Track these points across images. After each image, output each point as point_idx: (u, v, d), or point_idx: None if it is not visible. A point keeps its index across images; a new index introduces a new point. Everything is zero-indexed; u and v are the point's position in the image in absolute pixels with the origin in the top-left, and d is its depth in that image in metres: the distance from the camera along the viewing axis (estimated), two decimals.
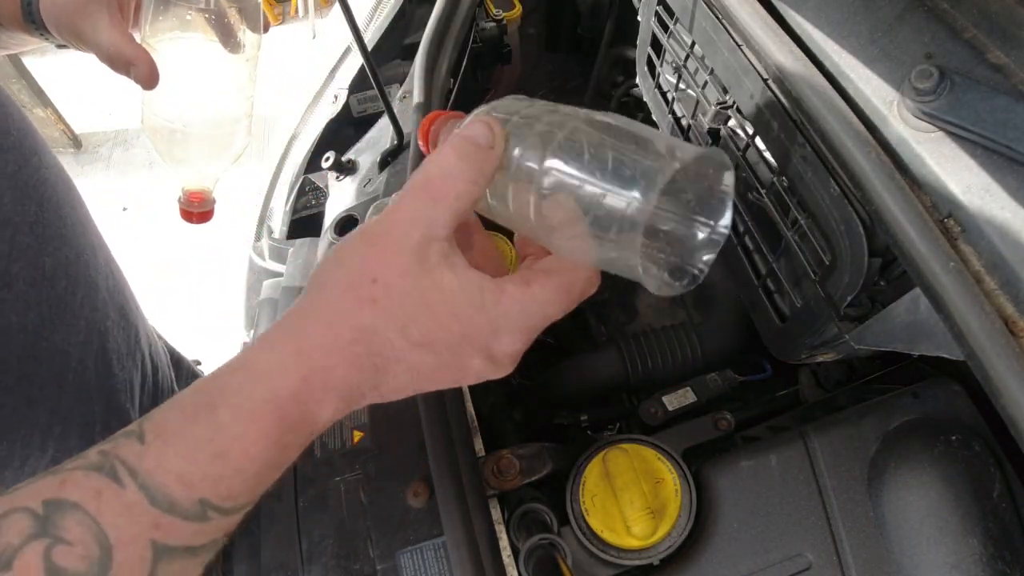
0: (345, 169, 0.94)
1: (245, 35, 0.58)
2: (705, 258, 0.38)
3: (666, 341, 0.80)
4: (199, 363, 1.06)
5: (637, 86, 0.93)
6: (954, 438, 0.57)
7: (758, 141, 0.59)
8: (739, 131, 0.63)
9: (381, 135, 0.97)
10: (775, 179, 0.57)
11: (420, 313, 0.34)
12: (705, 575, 0.58)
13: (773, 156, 0.57)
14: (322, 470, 0.65)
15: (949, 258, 0.38)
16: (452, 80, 0.91)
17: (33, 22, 0.52)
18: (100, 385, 0.70)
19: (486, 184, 0.36)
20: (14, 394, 0.61)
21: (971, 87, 0.39)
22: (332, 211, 0.92)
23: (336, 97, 1.07)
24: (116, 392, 0.73)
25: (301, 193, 1.05)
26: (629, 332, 0.94)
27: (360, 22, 1.00)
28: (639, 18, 0.82)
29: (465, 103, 0.87)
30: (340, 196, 0.93)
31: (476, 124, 0.36)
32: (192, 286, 2.25)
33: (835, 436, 0.61)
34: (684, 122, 0.76)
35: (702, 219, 0.38)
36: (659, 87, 0.83)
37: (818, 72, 0.47)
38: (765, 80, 0.54)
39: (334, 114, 1.05)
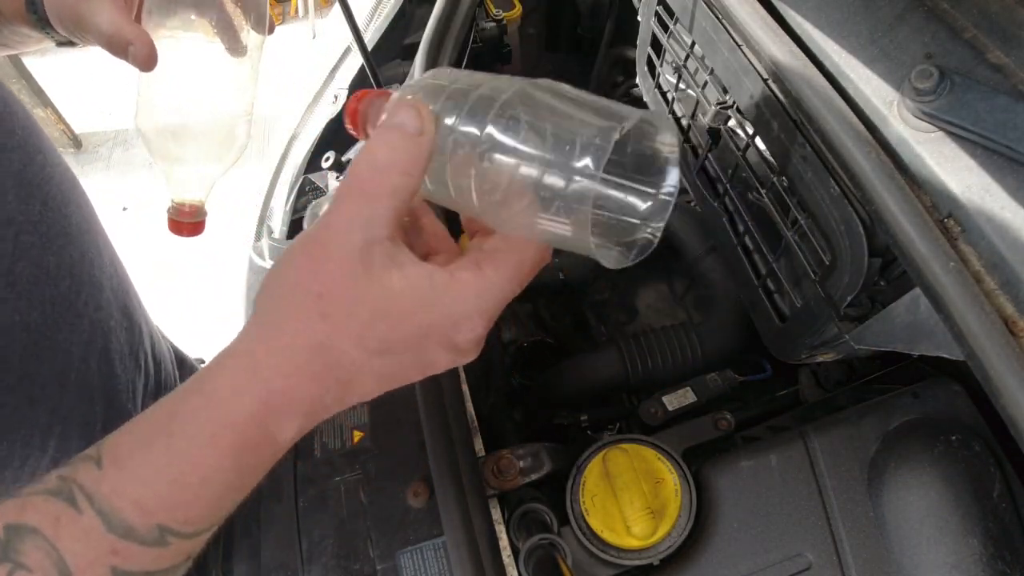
0: (345, 169, 0.94)
1: (249, 36, 0.57)
2: (656, 224, 0.37)
3: (666, 341, 0.80)
4: (203, 362, 1.06)
5: (637, 86, 0.93)
6: (954, 438, 0.57)
7: (758, 141, 0.59)
8: (739, 131, 0.63)
9: None
10: (775, 179, 0.57)
11: (374, 321, 0.33)
12: (705, 575, 0.58)
13: (773, 156, 0.57)
14: (322, 470, 0.65)
15: (949, 258, 0.38)
16: None
17: (35, 13, 0.52)
18: (102, 385, 0.70)
19: (422, 172, 0.34)
20: (15, 393, 0.61)
21: (971, 87, 0.39)
22: None
23: (336, 97, 1.07)
24: (118, 392, 0.73)
25: (301, 193, 1.05)
26: (629, 332, 0.94)
27: (360, 22, 1.00)
28: (639, 18, 0.82)
29: None
30: None
31: (402, 110, 0.34)
32: (192, 286, 2.25)
33: (835, 436, 0.61)
34: (684, 122, 0.76)
35: (649, 184, 0.37)
36: (659, 87, 0.83)
37: (818, 72, 0.47)
38: (765, 80, 0.54)
39: (334, 114, 1.05)
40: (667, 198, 0.36)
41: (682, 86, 0.76)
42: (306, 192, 1.05)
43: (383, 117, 0.38)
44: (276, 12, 3.40)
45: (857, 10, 0.48)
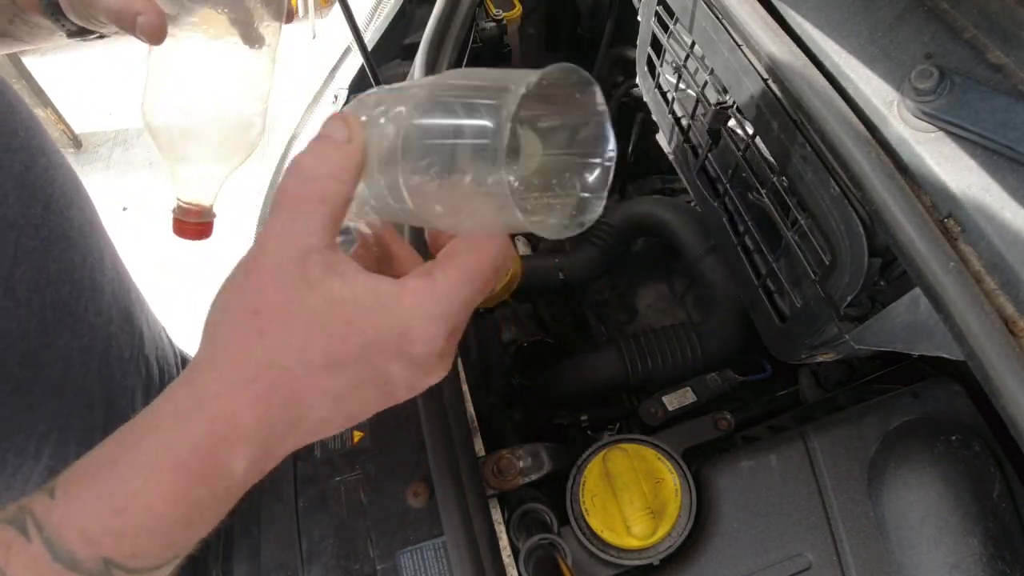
0: None
1: (266, 27, 0.53)
2: (598, 190, 0.35)
3: (666, 341, 0.80)
4: None
5: (637, 86, 0.93)
6: (954, 438, 0.57)
7: (758, 141, 0.59)
8: (739, 131, 0.63)
9: None
10: (775, 179, 0.57)
11: (315, 333, 0.31)
12: (705, 575, 0.58)
13: (773, 156, 0.57)
14: (322, 470, 0.65)
15: (949, 258, 0.38)
16: None
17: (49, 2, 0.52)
18: (102, 390, 0.70)
19: (354, 179, 0.33)
20: (11, 402, 0.60)
21: (971, 87, 0.39)
22: None
23: (336, 97, 1.06)
24: (118, 398, 0.72)
25: None
26: (629, 332, 0.94)
27: (360, 22, 1.00)
28: (639, 18, 0.82)
29: None
30: None
31: (328, 122, 0.34)
32: (192, 286, 2.25)
33: (835, 436, 0.61)
34: (684, 122, 0.76)
35: (586, 152, 0.35)
36: (659, 87, 0.83)
37: (818, 72, 0.47)
38: (765, 80, 0.54)
39: None
40: (608, 162, 0.35)
41: (682, 86, 0.76)
42: None
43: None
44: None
45: (857, 10, 0.48)
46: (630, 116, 1.17)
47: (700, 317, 0.93)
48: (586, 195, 0.35)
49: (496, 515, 0.60)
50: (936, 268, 0.38)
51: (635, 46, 0.86)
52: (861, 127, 0.44)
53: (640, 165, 1.22)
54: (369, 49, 0.86)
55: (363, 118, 0.35)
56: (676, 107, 0.78)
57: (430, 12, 0.92)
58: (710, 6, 0.60)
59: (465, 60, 0.96)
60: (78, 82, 2.88)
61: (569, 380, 0.82)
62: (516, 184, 0.33)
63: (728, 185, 0.67)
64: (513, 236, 0.92)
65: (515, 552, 0.58)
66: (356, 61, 1.08)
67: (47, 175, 0.62)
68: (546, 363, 0.86)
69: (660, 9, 0.74)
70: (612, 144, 0.34)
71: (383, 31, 1.09)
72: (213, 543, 0.66)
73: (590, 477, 0.63)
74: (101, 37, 0.57)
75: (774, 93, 0.53)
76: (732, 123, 0.65)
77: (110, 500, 0.30)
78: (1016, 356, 0.34)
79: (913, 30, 0.45)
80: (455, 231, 0.35)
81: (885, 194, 0.40)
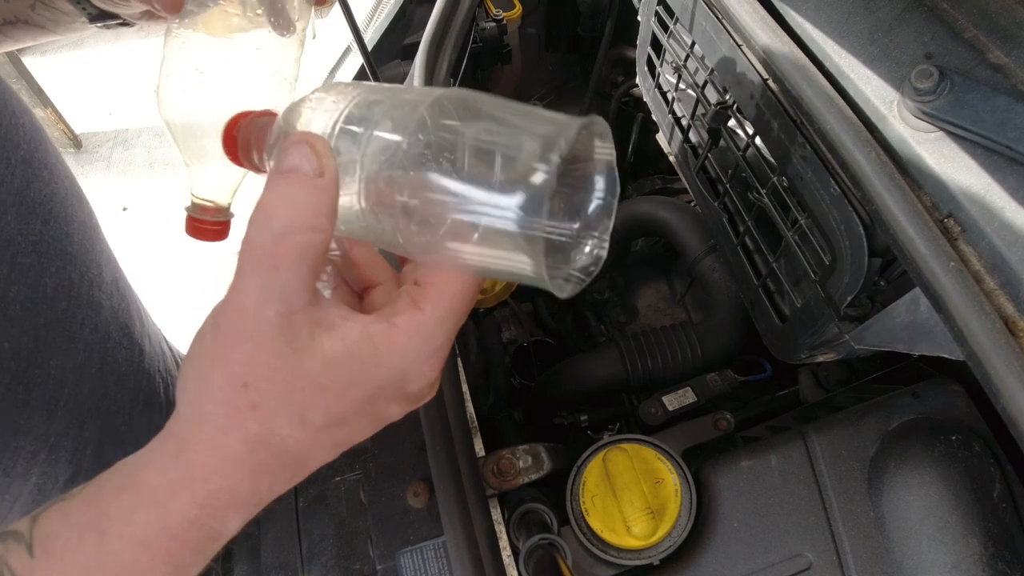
0: None
1: (295, 10, 0.49)
2: (600, 237, 0.33)
3: (666, 341, 0.80)
4: None
5: (637, 86, 0.93)
6: (954, 438, 0.57)
7: (758, 141, 0.59)
8: (739, 131, 0.63)
9: None
10: (775, 179, 0.57)
11: (313, 398, 0.29)
12: (705, 575, 0.58)
13: (773, 156, 0.57)
14: (322, 470, 0.64)
15: (949, 258, 0.38)
16: (452, 80, 0.91)
17: None
18: (95, 408, 0.68)
19: (332, 223, 0.30)
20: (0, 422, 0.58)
21: (971, 87, 0.39)
22: None
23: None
24: (112, 415, 0.70)
25: None
26: (629, 332, 0.94)
27: (360, 22, 1.00)
28: (639, 18, 0.82)
29: None
30: None
31: (294, 150, 0.29)
32: (192, 287, 2.25)
33: (835, 436, 0.61)
34: (684, 122, 0.76)
35: (589, 198, 0.32)
36: (659, 87, 0.83)
37: (818, 72, 0.47)
38: (765, 80, 0.54)
39: None
40: (608, 205, 0.32)
41: (682, 86, 0.76)
42: None
43: (271, 142, 0.34)
44: None
45: (857, 10, 0.48)
46: (630, 116, 1.17)
47: (700, 317, 0.93)
48: (588, 237, 0.33)
49: (496, 515, 0.60)
50: (936, 268, 0.37)
51: (635, 46, 0.86)
52: (861, 127, 0.44)
53: (640, 165, 1.22)
54: (369, 49, 0.86)
55: (327, 131, 0.31)
56: (676, 107, 0.78)
57: (430, 12, 0.92)
58: (710, 6, 0.60)
59: (465, 60, 0.96)
60: (78, 82, 2.88)
61: (569, 380, 0.82)
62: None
63: (728, 185, 0.67)
64: None
65: (515, 552, 0.58)
66: (356, 61, 1.08)
67: (48, 189, 0.61)
68: (546, 363, 0.86)
69: (660, 9, 0.74)
70: (615, 187, 0.32)
71: (383, 31, 1.09)
72: None
73: (590, 477, 0.63)
74: (123, 24, 0.54)
75: (774, 93, 0.53)
76: (732, 123, 0.65)
77: (98, 571, 0.29)
78: (1016, 356, 0.34)
79: (913, 30, 0.45)
80: (434, 267, 0.32)
81: (885, 194, 0.40)
